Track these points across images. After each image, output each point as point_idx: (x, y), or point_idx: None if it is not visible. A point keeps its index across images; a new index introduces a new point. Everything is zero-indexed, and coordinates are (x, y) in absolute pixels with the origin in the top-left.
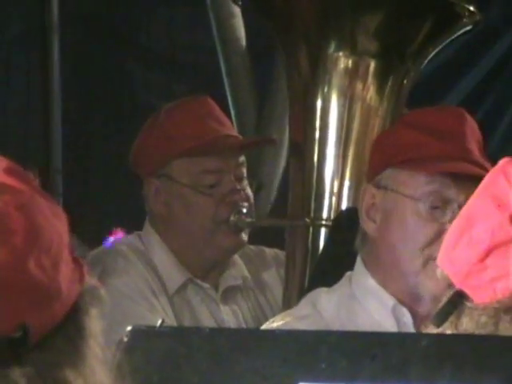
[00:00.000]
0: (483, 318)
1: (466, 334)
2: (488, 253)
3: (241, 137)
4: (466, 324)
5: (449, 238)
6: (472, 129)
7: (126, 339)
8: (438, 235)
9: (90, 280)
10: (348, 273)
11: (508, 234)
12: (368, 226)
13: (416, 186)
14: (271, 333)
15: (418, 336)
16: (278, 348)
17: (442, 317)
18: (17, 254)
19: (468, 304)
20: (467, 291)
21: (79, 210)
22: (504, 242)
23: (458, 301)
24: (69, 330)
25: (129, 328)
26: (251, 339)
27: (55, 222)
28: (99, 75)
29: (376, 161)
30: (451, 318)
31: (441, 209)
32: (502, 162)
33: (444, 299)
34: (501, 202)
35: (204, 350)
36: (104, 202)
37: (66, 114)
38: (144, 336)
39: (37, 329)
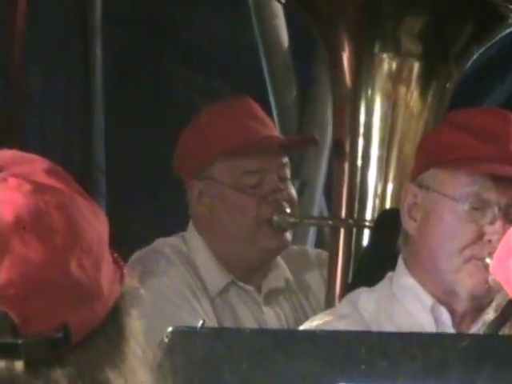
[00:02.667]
0: None
1: (506, 335)
2: None
3: (282, 137)
4: None
5: (502, 247)
6: None
7: (166, 340)
8: (478, 236)
9: (131, 281)
10: (389, 273)
11: None
12: (409, 224)
13: (456, 186)
14: (311, 333)
15: (457, 336)
16: (318, 348)
17: (494, 327)
18: (58, 254)
19: None
20: None
21: (122, 211)
22: None
23: (510, 311)
24: (109, 330)
25: (169, 329)
26: (291, 340)
27: (95, 223)
28: (140, 75)
29: (420, 160)
30: (504, 329)
31: (481, 210)
32: None
33: (494, 306)
34: None
35: (244, 351)
36: (147, 203)
37: (108, 114)
38: (184, 337)
39: (78, 329)
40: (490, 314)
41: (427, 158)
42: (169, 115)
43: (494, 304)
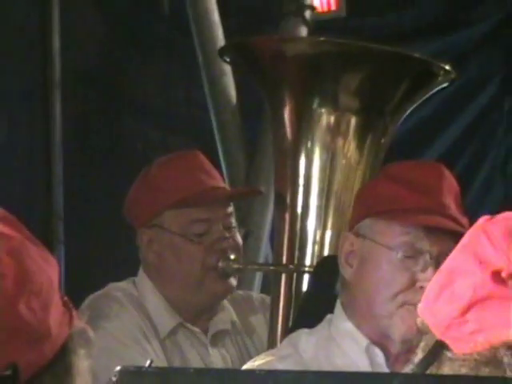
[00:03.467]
0: (463, 369)
1: (436, 374)
2: (469, 308)
3: (229, 188)
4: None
5: (430, 291)
6: (450, 183)
7: (114, 379)
8: (411, 283)
9: (80, 323)
10: (328, 315)
11: (489, 290)
12: (346, 271)
13: (391, 236)
14: (251, 373)
15: (389, 376)
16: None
17: (423, 366)
18: (7, 297)
19: (448, 354)
20: (448, 342)
21: (79, 256)
22: (485, 298)
23: (438, 351)
24: (57, 368)
25: (117, 368)
26: (232, 379)
27: (45, 267)
28: (98, 128)
29: (357, 210)
30: (432, 368)
31: (413, 258)
32: (482, 220)
33: (422, 346)
34: (482, 260)
35: None
36: (104, 249)
37: (67, 164)
38: (131, 376)
39: (26, 367)
40: (419, 354)
41: (364, 208)
42: (124, 166)
43: (422, 344)
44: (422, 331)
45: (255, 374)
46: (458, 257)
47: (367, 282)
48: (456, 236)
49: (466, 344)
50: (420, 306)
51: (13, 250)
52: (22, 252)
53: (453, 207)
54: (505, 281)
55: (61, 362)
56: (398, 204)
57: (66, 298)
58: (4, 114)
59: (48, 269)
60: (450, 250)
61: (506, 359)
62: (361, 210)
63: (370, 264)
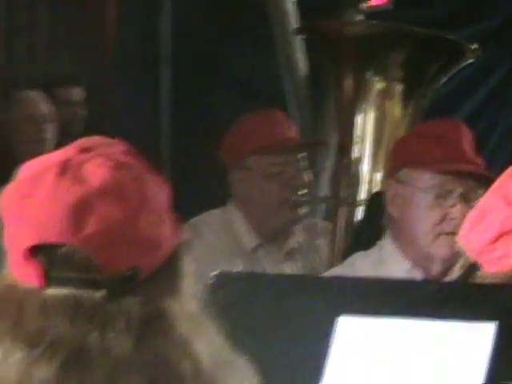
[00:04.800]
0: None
1: (463, 282)
2: (498, 238)
3: (301, 139)
4: None
5: (466, 223)
6: (466, 134)
7: (211, 281)
8: (443, 216)
9: (185, 235)
10: (379, 241)
11: (500, 217)
12: (392, 210)
13: (424, 181)
14: (319, 278)
15: (426, 282)
16: (324, 289)
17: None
18: (131, 215)
19: (479, 273)
20: (480, 264)
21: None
22: (510, 231)
23: (472, 270)
24: (168, 270)
25: (214, 273)
26: (304, 282)
27: (160, 191)
28: (197, 97)
29: (395, 162)
30: None
31: (444, 197)
32: (510, 169)
33: (458, 267)
34: (509, 201)
35: (270, 290)
36: (199, 183)
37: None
38: (226, 279)
39: (144, 269)
40: (456, 272)
41: (400, 160)
42: (216, 130)
43: (458, 265)
44: (460, 255)
45: (322, 279)
46: (489, 197)
47: (409, 218)
48: (475, 175)
49: (495, 266)
50: (458, 235)
51: (135, 177)
52: (143, 178)
53: (470, 153)
54: None
55: (171, 266)
56: (427, 155)
57: (175, 216)
58: (126, 81)
59: (161, 192)
60: (472, 188)
61: None
62: (399, 161)
63: (410, 204)
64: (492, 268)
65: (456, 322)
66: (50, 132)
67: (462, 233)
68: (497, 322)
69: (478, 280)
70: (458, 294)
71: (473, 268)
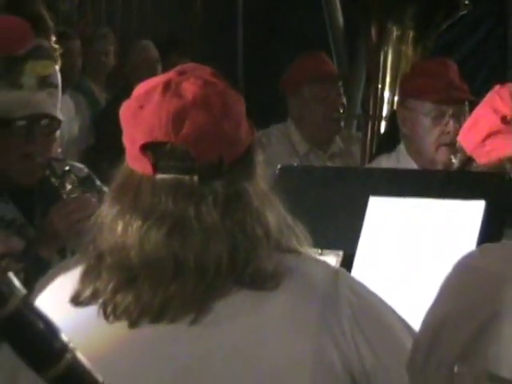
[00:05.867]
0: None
1: (462, 170)
2: (487, 137)
3: (339, 73)
4: None
5: (464, 128)
6: (453, 68)
7: (277, 172)
8: (441, 132)
9: (255, 136)
10: (398, 146)
11: (499, 128)
12: (403, 129)
13: (424, 107)
14: (355, 168)
15: (435, 171)
16: (359, 178)
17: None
18: (217, 119)
19: (474, 164)
20: (474, 157)
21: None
22: (496, 132)
23: (468, 162)
24: (245, 160)
25: (278, 166)
26: (343, 172)
27: (238, 103)
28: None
29: (403, 92)
30: None
31: (439, 118)
32: (496, 87)
33: (457, 160)
34: (495, 109)
35: (318, 178)
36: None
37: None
38: (287, 170)
39: (227, 160)
40: (455, 165)
41: (406, 90)
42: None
43: (457, 160)
44: (459, 150)
45: (358, 169)
46: (480, 108)
47: (416, 135)
48: (461, 99)
49: (484, 158)
50: (459, 136)
51: (219, 92)
52: (225, 93)
53: (456, 81)
54: (509, 122)
55: (247, 157)
56: (424, 88)
57: (249, 121)
58: (209, 35)
59: (239, 104)
60: (460, 108)
61: (507, 166)
62: (404, 93)
63: (416, 125)
64: (483, 160)
65: (456, 200)
66: (160, 72)
67: (461, 134)
68: (485, 201)
69: (473, 169)
70: (458, 179)
71: (469, 160)
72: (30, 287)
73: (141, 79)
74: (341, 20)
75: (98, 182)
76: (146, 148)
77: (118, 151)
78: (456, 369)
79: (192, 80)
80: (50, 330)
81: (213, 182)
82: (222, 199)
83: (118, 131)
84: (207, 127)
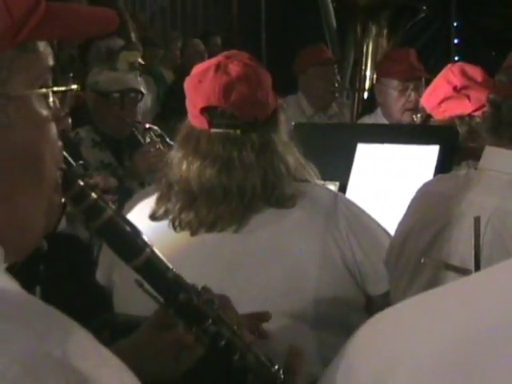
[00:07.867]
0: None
1: (424, 124)
2: (442, 101)
3: (333, 57)
4: None
5: (426, 93)
6: (413, 54)
7: (292, 127)
8: (406, 100)
9: (279, 101)
10: (375, 110)
11: (451, 94)
12: (379, 99)
13: (393, 83)
14: (347, 123)
15: (405, 125)
16: (350, 130)
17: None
18: (253, 90)
19: (432, 120)
20: (433, 114)
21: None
22: (449, 97)
23: (428, 119)
24: (272, 119)
25: (293, 123)
26: (339, 126)
27: (267, 78)
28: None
29: (378, 72)
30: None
31: (404, 91)
32: (449, 65)
33: (419, 117)
34: (448, 81)
35: (321, 130)
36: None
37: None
38: (299, 126)
39: (260, 118)
40: (418, 120)
41: (381, 72)
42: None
43: (419, 116)
44: (421, 111)
45: (348, 124)
46: (438, 80)
47: (388, 103)
48: (419, 77)
49: (440, 116)
50: (423, 97)
51: (254, 70)
52: (258, 71)
53: (415, 63)
54: (458, 91)
55: (274, 116)
56: (392, 69)
57: (274, 92)
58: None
59: (267, 78)
60: (419, 82)
61: (456, 121)
62: (379, 73)
63: (387, 96)
64: (438, 117)
65: (419, 145)
66: (206, 59)
67: (423, 98)
68: (439, 146)
69: (432, 123)
70: (420, 131)
71: (428, 117)
72: (120, 209)
73: (194, 64)
74: (334, 21)
75: (167, 138)
76: (203, 110)
77: (182, 114)
78: (422, 260)
79: (235, 62)
80: (135, 231)
81: (250, 134)
82: (256, 146)
83: (181, 100)
84: (247, 96)
